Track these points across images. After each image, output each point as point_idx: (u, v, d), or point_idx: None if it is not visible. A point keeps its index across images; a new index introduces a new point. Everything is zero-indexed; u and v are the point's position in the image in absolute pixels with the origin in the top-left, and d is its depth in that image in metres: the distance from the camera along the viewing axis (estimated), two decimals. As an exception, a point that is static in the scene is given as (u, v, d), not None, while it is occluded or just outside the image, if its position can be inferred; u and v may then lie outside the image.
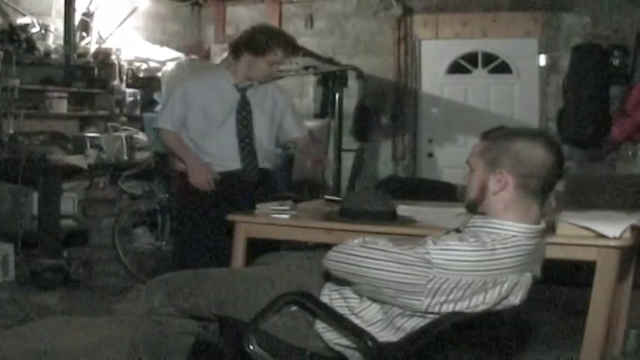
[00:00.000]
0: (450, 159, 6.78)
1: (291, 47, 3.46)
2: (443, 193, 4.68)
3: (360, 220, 2.74)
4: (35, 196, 5.03)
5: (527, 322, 3.57)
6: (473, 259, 1.84)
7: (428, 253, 1.84)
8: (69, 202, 5.20)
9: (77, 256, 4.92)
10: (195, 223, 3.49)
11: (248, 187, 3.49)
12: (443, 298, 1.84)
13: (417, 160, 6.97)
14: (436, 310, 1.86)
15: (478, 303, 1.87)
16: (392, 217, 2.79)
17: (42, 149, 5.11)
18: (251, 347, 2.00)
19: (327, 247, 2.14)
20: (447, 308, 1.86)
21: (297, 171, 5.95)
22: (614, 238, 2.34)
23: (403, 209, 2.96)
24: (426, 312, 1.87)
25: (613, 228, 2.36)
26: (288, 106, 3.67)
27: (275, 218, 2.96)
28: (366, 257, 1.91)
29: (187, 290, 2.25)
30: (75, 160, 5.20)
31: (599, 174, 5.58)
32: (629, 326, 3.06)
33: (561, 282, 3.84)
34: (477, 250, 1.85)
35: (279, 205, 3.01)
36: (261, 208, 3.04)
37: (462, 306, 1.86)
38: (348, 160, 6.58)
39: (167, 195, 5.02)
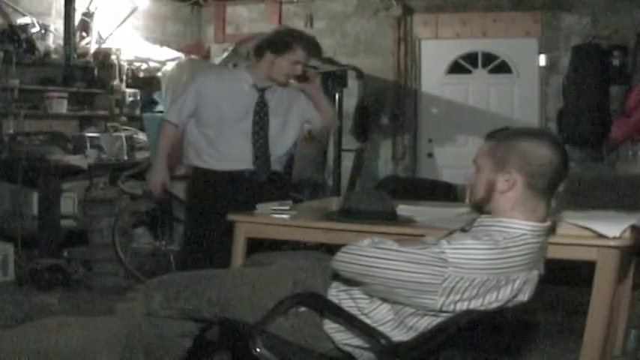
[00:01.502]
0: (450, 159, 6.78)
1: (313, 47, 3.49)
2: (442, 193, 4.69)
3: (360, 220, 2.74)
4: (35, 196, 5.03)
5: (528, 322, 3.57)
6: (488, 258, 1.86)
7: (443, 252, 1.85)
8: (69, 202, 5.20)
9: (77, 256, 4.92)
10: (204, 223, 3.49)
11: (258, 188, 3.47)
12: (457, 297, 1.86)
13: (417, 160, 6.97)
14: (450, 308, 1.88)
15: (492, 300, 1.89)
16: (392, 217, 2.79)
17: (42, 149, 5.11)
18: (258, 350, 1.99)
19: (325, 246, 2.14)
20: (462, 306, 1.88)
21: (297, 171, 5.95)
22: (614, 238, 2.34)
23: (403, 209, 2.96)
24: (440, 311, 1.89)
25: (613, 228, 2.36)
26: (307, 102, 3.64)
27: (275, 218, 2.95)
28: (379, 258, 1.91)
29: (189, 292, 2.24)
30: (75, 160, 5.20)
31: (599, 174, 5.59)
32: (629, 326, 3.06)
33: (562, 282, 3.84)
34: (491, 248, 1.87)
35: (279, 205, 3.01)
36: (261, 208, 3.04)
37: (475, 304, 1.88)
38: (348, 160, 6.57)
39: (167, 195, 5.00)
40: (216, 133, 3.47)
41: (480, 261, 1.85)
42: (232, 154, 3.46)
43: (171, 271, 4.23)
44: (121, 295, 4.30)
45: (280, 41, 3.43)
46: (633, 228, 2.40)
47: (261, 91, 3.49)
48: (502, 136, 2.01)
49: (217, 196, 3.46)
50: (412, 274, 1.86)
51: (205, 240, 3.47)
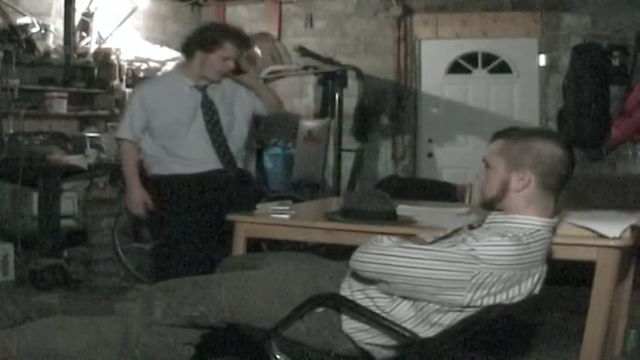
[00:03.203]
0: (450, 159, 6.78)
1: (242, 41, 3.44)
2: (442, 193, 4.68)
3: (360, 220, 2.74)
4: (35, 196, 5.03)
5: (528, 322, 3.57)
6: (514, 254, 1.91)
7: (473, 249, 1.89)
8: (69, 202, 5.20)
9: (77, 256, 4.91)
10: (176, 226, 3.40)
11: (227, 186, 3.44)
12: (485, 292, 1.90)
13: (417, 160, 6.96)
14: (477, 303, 1.92)
15: (515, 294, 1.94)
16: (392, 217, 2.79)
17: (42, 149, 5.11)
18: (277, 356, 1.98)
19: (324, 246, 2.13)
20: (488, 301, 1.92)
21: (297, 171, 5.95)
22: (614, 238, 2.34)
23: (403, 209, 2.97)
24: (467, 306, 1.92)
25: (613, 228, 2.36)
26: (248, 93, 3.59)
27: (275, 218, 2.95)
28: (406, 257, 1.94)
29: (195, 299, 2.20)
30: (75, 160, 5.20)
31: (599, 174, 5.58)
32: (629, 326, 3.06)
33: (561, 282, 3.84)
34: (516, 244, 1.92)
35: (278, 205, 3.00)
36: (261, 208, 3.03)
37: (500, 298, 1.93)
38: (348, 160, 6.57)
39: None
40: (172, 140, 3.39)
41: (507, 257, 1.90)
42: (196, 157, 3.39)
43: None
44: (121, 295, 4.35)
45: (209, 38, 3.38)
46: (633, 228, 2.40)
47: (203, 89, 3.44)
48: (514, 136, 2.06)
49: (188, 200, 3.39)
50: (443, 272, 1.90)
51: (180, 244, 3.38)
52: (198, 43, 3.40)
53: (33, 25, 5.51)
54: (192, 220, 3.38)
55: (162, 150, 3.42)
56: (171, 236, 3.43)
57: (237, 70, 3.47)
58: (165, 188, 3.44)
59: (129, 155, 3.49)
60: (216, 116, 3.43)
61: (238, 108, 3.54)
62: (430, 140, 6.94)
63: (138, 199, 3.47)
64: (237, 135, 3.52)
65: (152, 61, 6.40)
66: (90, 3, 6.01)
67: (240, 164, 3.53)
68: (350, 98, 6.69)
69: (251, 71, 3.57)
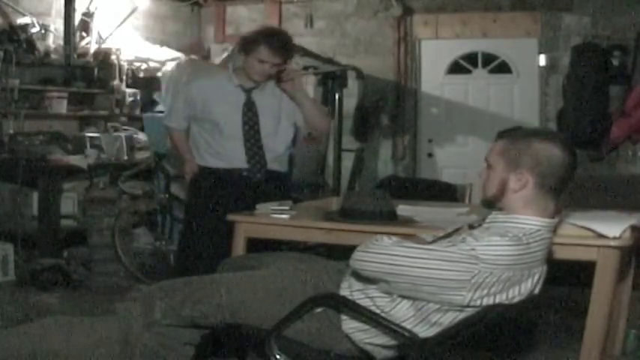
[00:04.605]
0: (450, 159, 6.78)
1: (277, 47, 3.37)
2: (442, 193, 4.68)
3: (360, 220, 2.74)
4: (35, 196, 5.03)
5: (528, 322, 3.57)
6: (514, 254, 1.91)
7: (473, 249, 1.90)
8: (69, 202, 5.20)
9: (77, 256, 4.92)
10: (202, 220, 3.52)
11: (256, 187, 3.48)
12: (485, 292, 1.90)
13: (417, 160, 6.97)
14: (477, 303, 1.92)
15: (515, 294, 1.95)
16: (392, 217, 2.79)
17: (42, 149, 5.11)
18: (277, 356, 1.98)
19: (324, 246, 2.13)
20: (488, 301, 1.92)
21: (297, 171, 5.95)
22: (614, 238, 2.34)
23: (403, 209, 2.97)
24: (467, 306, 1.93)
25: (613, 228, 2.36)
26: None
27: (275, 218, 2.95)
28: (406, 256, 1.94)
29: (195, 299, 2.19)
30: (75, 160, 5.20)
31: (599, 174, 5.59)
32: (629, 326, 3.06)
33: (562, 282, 3.83)
34: (517, 244, 1.92)
35: (278, 205, 3.00)
36: (261, 208, 3.03)
37: (500, 298, 1.93)
38: (348, 160, 6.57)
39: (167, 195, 5.01)
40: (211, 133, 3.52)
41: (507, 257, 1.90)
42: (228, 154, 3.49)
43: (170, 271, 4.24)
44: (121, 295, 4.35)
45: (249, 40, 3.43)
46: (633, 228, 2.40)
47: (248, 91, 3.49)
48: (515, 137, 2.06)
49: (216, 194, 3.49)
50: (443, 272, 1.90)
51: (202, 237, 3.48)
52: (240, 43, 3.49)
53: (33, 25, 5.51)
54: (214, 218, 3.38)
55: (202, 139, 3.56)
56: (194, 232, 3.55)
57: (279, 78, 3.48)
58: (198, 178, 3.58)
59: (176, 137, 3.71)
60: (255, 118, 3.49)
61: (285, 111, 3.57)
62: (430, 140, 6.94)
63: (190, 164, 3.63)
64: (280, 139, 3.57)
65: (152, 61, 6.40)
66: (90, 3, 6.01)
67: (276, 166, 3.56)
68: (350, 98, 6.69)
69: (294, 82, 3.52)
